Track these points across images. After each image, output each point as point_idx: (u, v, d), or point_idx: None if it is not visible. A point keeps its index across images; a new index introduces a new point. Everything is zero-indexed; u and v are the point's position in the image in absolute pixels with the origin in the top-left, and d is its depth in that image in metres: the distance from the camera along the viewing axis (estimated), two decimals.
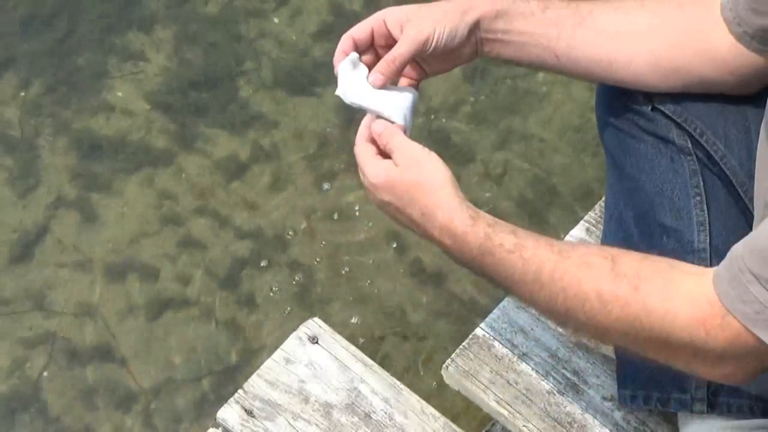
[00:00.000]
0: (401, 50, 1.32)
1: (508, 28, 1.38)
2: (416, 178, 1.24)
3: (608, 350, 1.57)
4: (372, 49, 1.37)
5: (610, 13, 1.39)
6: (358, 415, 1.54)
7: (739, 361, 1.10)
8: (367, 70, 1.34)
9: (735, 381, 1.15)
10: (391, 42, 1.36)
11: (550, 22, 1.39)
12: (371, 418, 1.54)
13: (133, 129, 2.47)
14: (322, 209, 2.34)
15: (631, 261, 1.15)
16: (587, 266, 1.15)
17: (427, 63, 1.41)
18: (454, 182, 1.25)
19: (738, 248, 1.07)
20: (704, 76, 1.37)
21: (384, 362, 2.10)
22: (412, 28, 1.33)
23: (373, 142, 1.30)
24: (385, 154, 1.29)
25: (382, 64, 1.32)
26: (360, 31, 1.35)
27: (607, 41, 1.38)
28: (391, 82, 1.34)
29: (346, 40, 1.34)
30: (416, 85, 1.41)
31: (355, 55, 1.33)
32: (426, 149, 1.26)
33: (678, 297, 1.10)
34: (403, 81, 1.41)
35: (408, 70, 1.39)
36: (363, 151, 1.29)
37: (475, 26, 1.37)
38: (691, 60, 1.36)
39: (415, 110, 1.36)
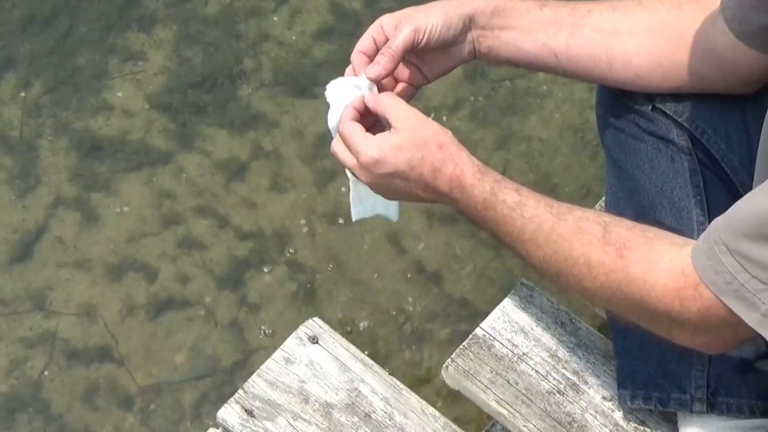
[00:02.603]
0: (397, 41, 1.33)
1: (504, 24, 1.38)
2: (425, 135, 1.26)
3: (608, 350, 1.57)
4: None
5: (608, 12, 1.39)
6: (358, 415, 1.54)
7: (714, 331, 1.13)
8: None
9: (712, 350, 1.19)
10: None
11: (548, 20, 1.38)
12: (371, 418, 1.54)
13: (133, 129, 2.47)
14: (322, 209, 2.34)
15: (622, 229, 1.18)
16: (580, 231, 1.19)
17: (425, 64, 1.40)
18: (457, 141, 1.27)
19: (717, 222, 1.09)
20: (703, 76, 1.37)
21: (384, 362, 2.10)
22: (407, 23, 1.34)
23: (357, 118, 1.30)
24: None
25: (380, 56, 1.33)
26: (364, 43, 1.36)
27: (606, 40, 1.38)
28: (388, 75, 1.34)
29: (357, 56, 1.35)
30: (415, 91, 1.42)
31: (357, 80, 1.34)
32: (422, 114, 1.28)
33: (658, 267, 1.13)
34: (400, 87, 1.41)
35: (408, 75, 1.40)
36: (352, 129, 1.29)
37: (471, 21, 1.37)
38: (691, 59, 1.36)
39: None
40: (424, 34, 1.34)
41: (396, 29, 1.34)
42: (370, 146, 1.26)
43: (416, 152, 1.25)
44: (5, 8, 2.64)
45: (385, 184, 1.28)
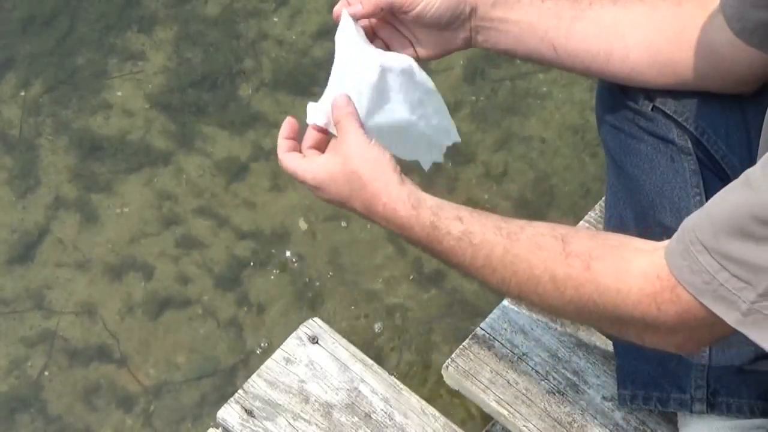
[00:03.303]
0: None
1: (505, 16, 1.38)
2: (354, 168, 1.23)
3: (608, 350, 1.57)
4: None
5: (609, 7, 1.39)
6: (358, 415, 1.54)
7: (690, 332, 1.10)
8: (369, 46, 1.33)
9: (686, 350, 1.16)
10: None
11: (550, 13, 1.38)
12: (371, 418, 1.54)
13: (133, 129, 2.47)
14: (322, 209, 2.34)
15: (582, 240, 1.15)
16: (538, 248, 1.15)
17: (417, 40, 1.39)
18: (395, 168, 1.24)
19: (690, 220, 1.07)
20: (701, 73, 1.37)
21: (384, 362, 2.10)
22: None
23: (295, 148, 1.30)
24: (321, 146, 1.29)
25: None
26: None
27: (606, 34, 1.38)
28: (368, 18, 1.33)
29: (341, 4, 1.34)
30: None
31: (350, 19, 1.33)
32: (368, 139, 1.25)
33: (629, 274, 1.10)
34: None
35: (399, 47, 1.38)
36: (289, 161, 1.29)
37: (472, 11, 1.37)
38: (688, 55, 1.36)
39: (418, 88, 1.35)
40: (416, 2, 1.32)
41: None
42: (309, 175, 1.26)
43: (344, 186, 1.24)
44: (5, 8, 2.64)
45: (340, 206, 1.28)
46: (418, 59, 1.40)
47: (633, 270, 1.10)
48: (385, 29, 1.38)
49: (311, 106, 1.31)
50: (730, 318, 1.02)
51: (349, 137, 1.25)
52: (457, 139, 1.41)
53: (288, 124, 1.31)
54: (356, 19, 1.32)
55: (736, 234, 1.00)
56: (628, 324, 1.13)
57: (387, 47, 1.38)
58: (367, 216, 1.25)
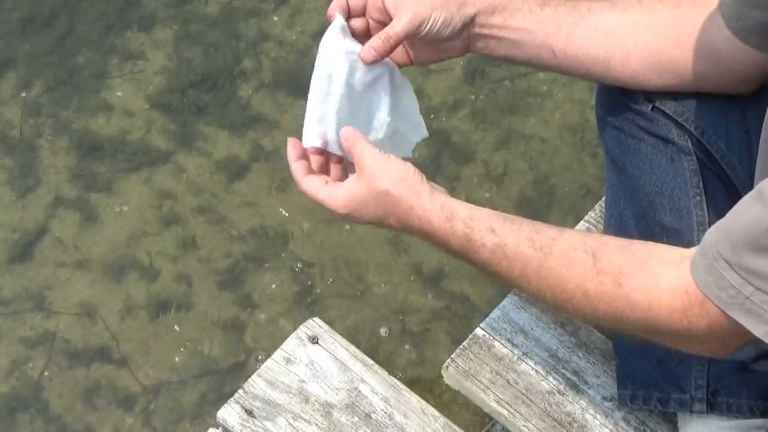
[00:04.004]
0: (397, 29, 1.32)
1: (504, 24, 1.38)
2: (383, 187, 1.24)
3: (608, 350, 1.57)
4: (363, 18, 1.37)
5: (608, 11, 1.39)
6: (358, 415, 1.54)
7: (722, 340, 1.13)
8: (356, 45, 1.33)
9: (719, 355, 1.18)
10: (382, 17, 1.36)
11: (549, 19, 1.38)
12: (371, 418, 1.54)
13: (133, 129, 2.47)
14: (322, 209, 2.33)
15: (612, 255, 1.16)
16: (570, 263, 1.17)
17: (415, 49, 1.40)
18: (422, 179, 1.25)
19: (711, 234, 1.08)
20: (701, 74, 1.37)
21: (384, 362, 2.10)
22: (410, 9, 1.32)
23: (310, 170, 1.32)
24: (323, 169, 1.32)
25: (376, 41, 1.32)
26: None
27: (605, 38, 1.38)
28: (380, 59, 1.33)
29: (340, 0, 1.35)
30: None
31: (342, 20, 1.33)
32: (385, 155, 1.26)
33: (658, 289, 1.12)
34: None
35: (395, 53, 1.38)
36: (312, 188, 1.30)
37: (471, 21, 1.37)
38: (688, 57, 1.36)
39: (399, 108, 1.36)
40: (423, 29, 1.33)
41: (395, 8, 1.33)
42: (338, 203, 1.28)
43: (377, 207, 1.25)
44: (5, 8, 2.64)
45: (375, 225, 1.30)
46: (411, 64, 1.41)
47: (662, 285, 1.12)
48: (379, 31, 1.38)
49: (305, 131, 1.33)
50: (759, 331, 1.05)
51: (367, 159, 1.26)
52: (426, 134, 1.42)
53: (293, 146, 1.33)
54: (347, 16, 1.32)
55: (754, 249, 1.02)
56: (663, 334, 1.15)
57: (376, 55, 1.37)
58: (404, 230, 1.27)
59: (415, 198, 1.24)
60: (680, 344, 1.17)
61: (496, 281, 1.25)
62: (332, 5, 1.35)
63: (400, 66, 1.41)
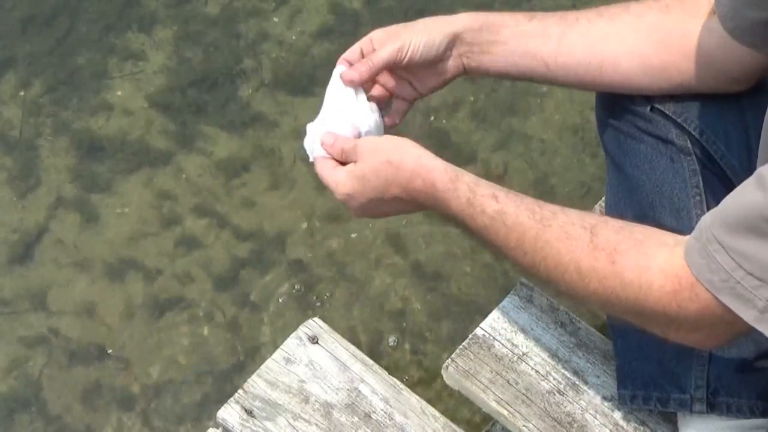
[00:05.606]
0: (377, 55, 1.38)
1: (493, 39, 1.40)
2: (383, 158, 1.27)
3: (608, 350, 1.57)
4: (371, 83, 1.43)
5: (595, 19, 1.40)
6: (358, 415, 1.54)
7: (710, 329, 1.12)
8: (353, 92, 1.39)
9: (706, 346, 1.19)
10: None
11: (537, 31, 1.40)
12: (371, 418, 1.54)
13: (132, 129, 2.47)
14: (322, 209, 2.34)
15: (609, 233, 1.16)
16: (567, 237, 1.17)
17: (416, 79, 1.45)
18: (419, 146, 1.28)
19: (706, 218, 1.08)
20: (693, 75, 1.37)
21: (384, 362, 2.10)
22: (392, 41, 1.39)
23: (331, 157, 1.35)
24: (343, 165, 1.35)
25: (357, 64, 1.38)
26: (351, 53, 1.40)
27: (594, 45, 1.40)
28: (363, 86, 1.39)
29: (340, 62, 1.40)
30: (409, 105, 1.47)
31: (341, 68, 1.39)
32: (374, 136, 1.32)
33: (650, 270, 1.12)
34: (397, 102, 1.46)
35: (400, 89, 1.44)
36: (323, 166, 1.34)
37: (456, 39, 1.40)
38: (679, 60, 1.37)
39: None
40: (406, 53, 1.38)
41: (381, 45, 1.39)
42: (342, 178, 1.31)
43: (377, 180, 1.28)
44: (5, 8, 2.64)
45: (373, 208, 1.32)
46: (421, 96, 1.47)
47: (654, 267, 1.12)
48: (382, 75, 1.43)
49: (307, 143, 1.37)
50: (748, 316, 1.04)
51: (360, 143, 1.31)
52: (377, 118, 1.46)
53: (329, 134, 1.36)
54: (355, 86, 1.38)
55: (750, 233, 1.02)
56: (651, 319, 1.15)
57: (388, 92, 1.45)
58: (409, 199, 1.27)
59: (416, 158, 1.26)
60: (668, 331, 1.16)
61: (491, 250, 1.25)
62: (340, 62, 1.41)
63: (411, 101, 1.47)
